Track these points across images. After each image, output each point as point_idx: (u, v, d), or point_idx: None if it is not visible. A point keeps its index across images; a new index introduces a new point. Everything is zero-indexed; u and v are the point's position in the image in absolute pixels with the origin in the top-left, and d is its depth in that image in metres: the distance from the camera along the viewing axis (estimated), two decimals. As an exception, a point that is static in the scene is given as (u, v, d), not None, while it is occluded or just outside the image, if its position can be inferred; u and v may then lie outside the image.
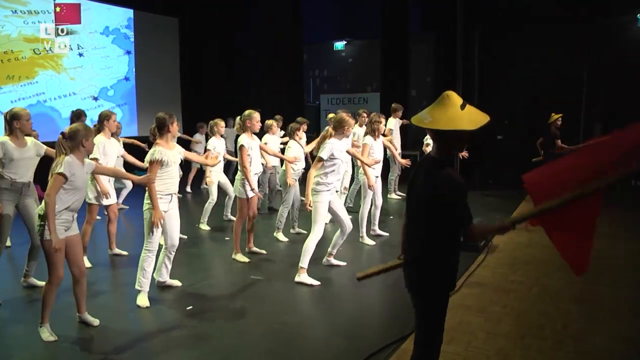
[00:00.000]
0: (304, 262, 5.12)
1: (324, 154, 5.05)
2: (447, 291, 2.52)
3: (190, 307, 4.51)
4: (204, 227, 7.45)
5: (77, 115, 7.27)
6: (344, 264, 5.67)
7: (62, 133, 3.76)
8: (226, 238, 6.87)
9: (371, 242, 6.57)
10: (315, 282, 5.08)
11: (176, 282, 5.03)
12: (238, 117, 5.98)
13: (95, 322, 4.09)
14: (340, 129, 5.19)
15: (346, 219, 5.37)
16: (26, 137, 4.62)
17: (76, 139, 3.75)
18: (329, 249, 5.64)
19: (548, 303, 4.58)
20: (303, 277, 5.11)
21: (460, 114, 2.31)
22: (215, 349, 3.74)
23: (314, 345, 3.80)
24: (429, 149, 7.84)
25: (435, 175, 2.37)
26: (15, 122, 4.48)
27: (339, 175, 5.30)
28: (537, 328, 4.04)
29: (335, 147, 5.10)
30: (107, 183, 5.67)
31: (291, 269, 5.55)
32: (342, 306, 4.69)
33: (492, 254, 6.07)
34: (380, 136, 6.62)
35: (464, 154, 8.47)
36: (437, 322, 2.51)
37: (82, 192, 3.89)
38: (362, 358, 3.53)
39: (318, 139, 5.53)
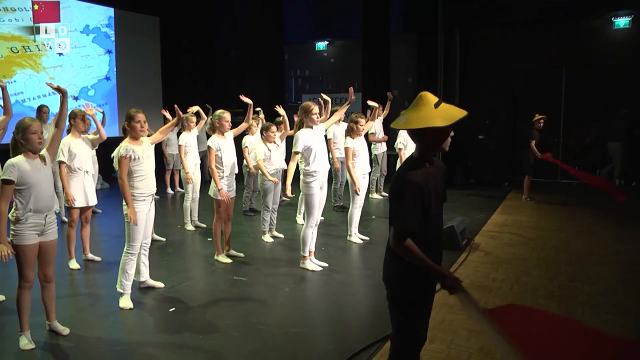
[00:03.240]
0: (305, 251, 5.48)
1: (297, 147, 5.29)
2: (415, 291, 2.49)
3: (173, 308, 4.48)
4: (189, 227, 7.39)
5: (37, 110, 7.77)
6: (326, 265, 5.66)
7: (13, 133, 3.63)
8: (209, 239, 6.84)
9: (359, 241, 6.60)
10: (317, 268, 5.47)
11: (158, 284, 4.99)
12: (209, 118, 5.86)
13: (65, 330, 3.92)
14: (306, 117, 5.34)
15: (318, 215, 5.52)
16: None
17: (15, 137, 3.58)
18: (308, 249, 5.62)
19: (528, 300, 4.64)
20: (307, 263, 5.49)
21: (433, 112, 2.32)
22: (197, 350, 3.72)
23: (297, 346, 3.80)
24: (402, 153, 7.83)
25: (399, 169, 2.49)
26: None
27: (321, 163, 5.38)
28: (518, 325, 4.08)
29: (304, 136, 5.30)
30: (89, 185, 5.57)
31: (274, 269, 5.58)
32: (325, 306, 4.70)
33: (474, 252, 6.13)
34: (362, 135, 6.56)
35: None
36: (406, 317, 2.52)
37: (45, 190, 3.63)
38: (345, 357, 3.54)
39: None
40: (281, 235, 6.90)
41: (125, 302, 4.47)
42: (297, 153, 5.30)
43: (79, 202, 5.49)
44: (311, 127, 5.37)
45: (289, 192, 5.27)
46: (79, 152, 5.51)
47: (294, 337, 3.93)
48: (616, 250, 6.31)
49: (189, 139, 7.20)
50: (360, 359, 3.57)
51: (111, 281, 4.78)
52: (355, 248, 6.45)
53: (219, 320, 4.25)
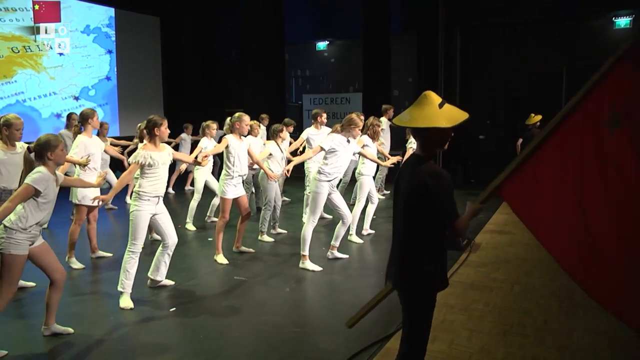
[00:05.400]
0: (305, 250, 5.50)
1: (324, 144, 5.44)
2: (437, 290, 2.52)
3: (173, 308, 4.48)
4: (190, 227, 7.40)
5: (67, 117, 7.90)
6: (347, 256, 5.91)
7: (28, 147, 3.62)
8: (209, 239, 6.84)
9: (359, 241, 6.60)
10: (318, 268, 5.44)
11: (170, 282, 5.03)
12: (228, 119, 5.96)
13: (69, 330, 3.90)
14: (347, 127, 5.51)
15: (346, 210, 5.68)
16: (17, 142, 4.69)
17: (41, 153, 3.54)
18: (332, 242, 5.86)
19: (529, 300, 4.64)
20: (307, 263, 5.50)
21: (437, 113, 2.35)
22: (198, 350, 3.72)
23: (297, 346, 3.80)
24: (411, 151, 7.89)
25: (419, 170, 2.42)
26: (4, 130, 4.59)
27: (339, 168, 5.53)
28: (519, 325, 4.09)
29: (336, 140, 5.46)
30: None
31: (275, 269, 5.58)
32: (325, 306, 4.70)
33: (475, 252, 6.12)
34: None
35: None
36: (423, 320, 2.51)
37: (53, 205, 3.67)
38: (345, 357, 3.54)
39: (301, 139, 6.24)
40: (284, 231, 7.09)
41: (126, 302, 4.47)
42: (322, 149, 5.45)
43: (91, 201, 5.53)
44: (345, 136, 5.53)
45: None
46: (96, 152, 5.57)
47: (295, 337, 3.93)
48: (617, 250, 6.30)
49: (210, 145, 7.34)
50: (360, 359, 3.57)
51: (112, 280, 4.78)
52: (356, 248, 6.45)
53: (220, 320, 4.26)
